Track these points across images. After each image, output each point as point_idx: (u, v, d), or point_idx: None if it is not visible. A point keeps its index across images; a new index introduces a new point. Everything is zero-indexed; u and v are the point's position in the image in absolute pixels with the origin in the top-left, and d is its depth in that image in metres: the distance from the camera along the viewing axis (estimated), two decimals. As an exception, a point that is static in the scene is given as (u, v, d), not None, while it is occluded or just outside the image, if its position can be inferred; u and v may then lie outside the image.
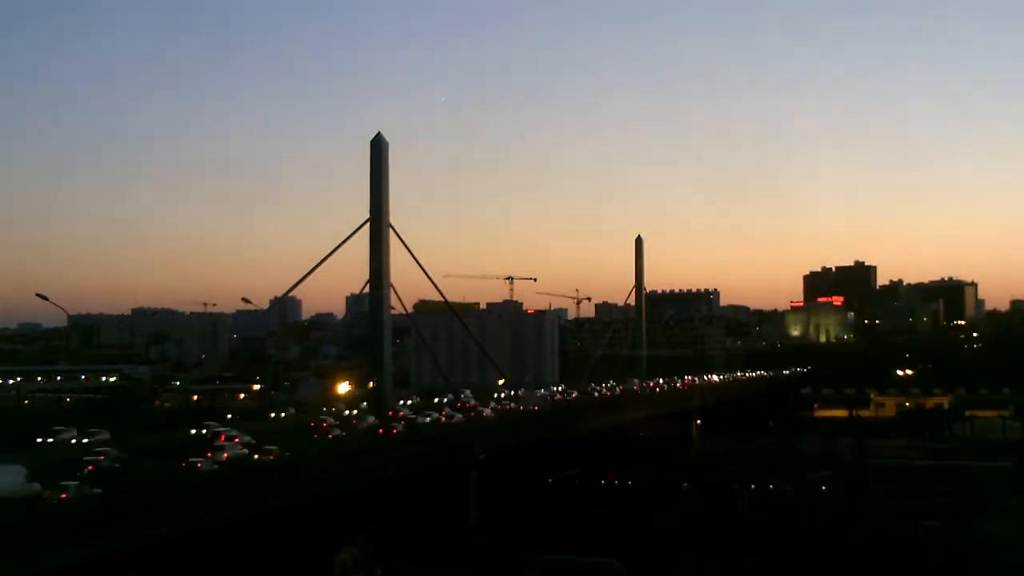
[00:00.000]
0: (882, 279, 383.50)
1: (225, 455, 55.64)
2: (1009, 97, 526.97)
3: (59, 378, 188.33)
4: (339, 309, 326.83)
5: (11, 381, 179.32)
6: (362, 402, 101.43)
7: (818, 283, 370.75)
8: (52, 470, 46.70)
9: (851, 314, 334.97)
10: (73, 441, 67.05)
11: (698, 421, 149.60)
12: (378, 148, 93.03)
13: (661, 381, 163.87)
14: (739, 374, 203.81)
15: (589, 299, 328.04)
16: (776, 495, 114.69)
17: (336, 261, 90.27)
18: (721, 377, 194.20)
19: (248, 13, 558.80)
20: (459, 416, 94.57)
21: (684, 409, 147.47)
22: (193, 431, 72.50)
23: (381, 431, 79.64)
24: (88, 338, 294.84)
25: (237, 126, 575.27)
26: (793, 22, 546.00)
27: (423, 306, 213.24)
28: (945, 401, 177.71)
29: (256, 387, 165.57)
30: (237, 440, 59.64)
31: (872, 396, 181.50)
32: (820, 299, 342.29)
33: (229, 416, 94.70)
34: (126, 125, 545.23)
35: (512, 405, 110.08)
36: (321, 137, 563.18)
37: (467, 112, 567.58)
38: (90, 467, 50.39)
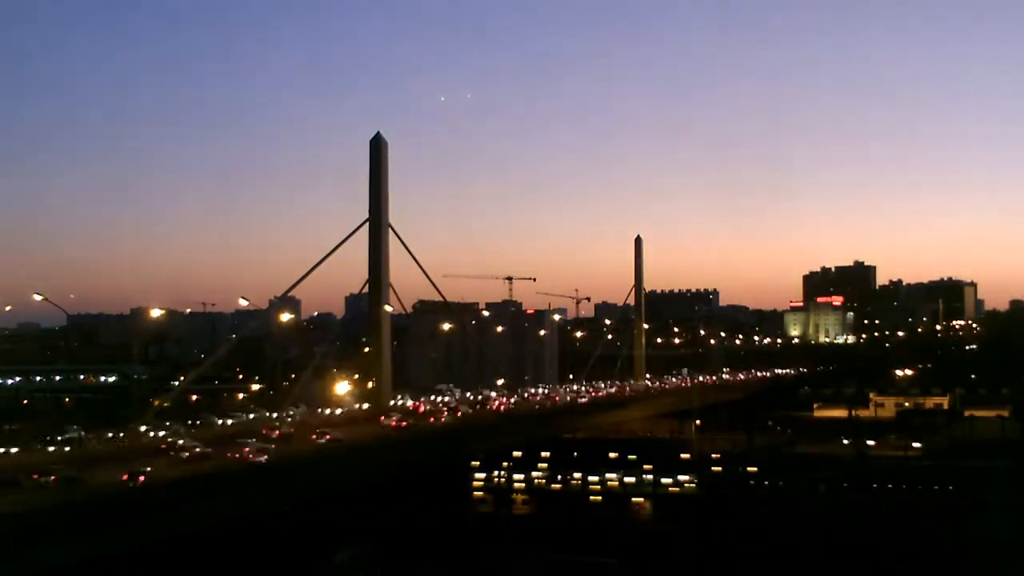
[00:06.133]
0: (882, 279, 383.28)
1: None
2: (1010, 97, 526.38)
3: (58, 378, 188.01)
4: (339, 309, 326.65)
5: (10, 381, 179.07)
6: (361, 402, 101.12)
7: (818, 283, 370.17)
8: None
9: (850, 314, 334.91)
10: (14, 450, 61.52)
11: (697, 421, 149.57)
12: (378, 148, 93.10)
13: (655, 382, 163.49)
14: (738, 374, 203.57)
15: (588, 299, 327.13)
16: (775, 494, 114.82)
17: (336, 261, 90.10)
18: (720, 377, 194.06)
19: (247, 12, 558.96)
20: None
21: (683, 409, 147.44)
22: None
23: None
24: (87, 338, 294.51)
25: (237, 126, 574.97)
26: (794, 21, 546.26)
27: (423, 306, 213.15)
28: (944, 401, 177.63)
29: (255, 387, 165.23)
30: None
31: (871, 396, 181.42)
32: (820, 299, 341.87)
33: None
34: (125, 125, 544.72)
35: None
36: (321, 137, 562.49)
37: (467, 112, 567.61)
38: None
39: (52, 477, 49.53)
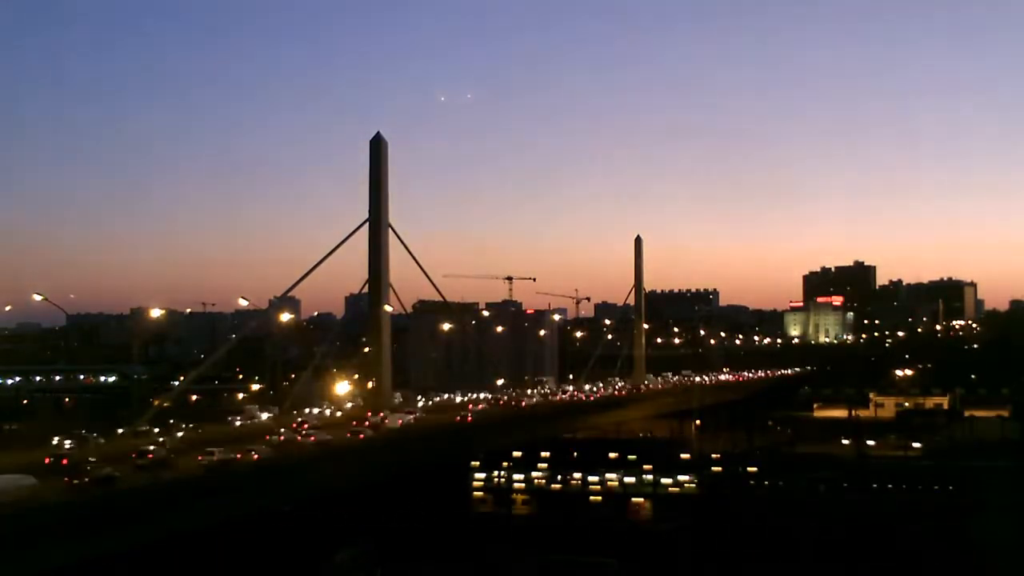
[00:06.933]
0: (882, 279, 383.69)
1: None
2: (1010, 96, 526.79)
3: (58, 378, 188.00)
4: (339, 309, 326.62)
5: (10, 381, 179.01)
6: (360, 401, 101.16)
7: (818, 283, 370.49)
8: None
9: (850, 314, 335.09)
10: None
11: (697, 421, 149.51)
12: (378, 148, 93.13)
13: (655, 382, 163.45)
14: (738, 375, 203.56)
15: (588, 299, 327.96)
16: (775, 494, 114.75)
17: (336, 261, 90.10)
18: (720, 377, 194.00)
19: (247, 12, 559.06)
20: None
21: (683, 409, 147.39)
22: None
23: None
24: (87, 338, 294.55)
25: (237, 126, 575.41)
26: (793, 21, 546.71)
27: (423, 306, 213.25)
28: (944, 401, 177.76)
29: (255, 387, 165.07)
30: None
31: (871, 396, 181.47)
32: (820, 299, 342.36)
33: None
34: (125, 125, 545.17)
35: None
36: (321, 137, 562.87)
37: (467, 112, 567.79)
38: None
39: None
